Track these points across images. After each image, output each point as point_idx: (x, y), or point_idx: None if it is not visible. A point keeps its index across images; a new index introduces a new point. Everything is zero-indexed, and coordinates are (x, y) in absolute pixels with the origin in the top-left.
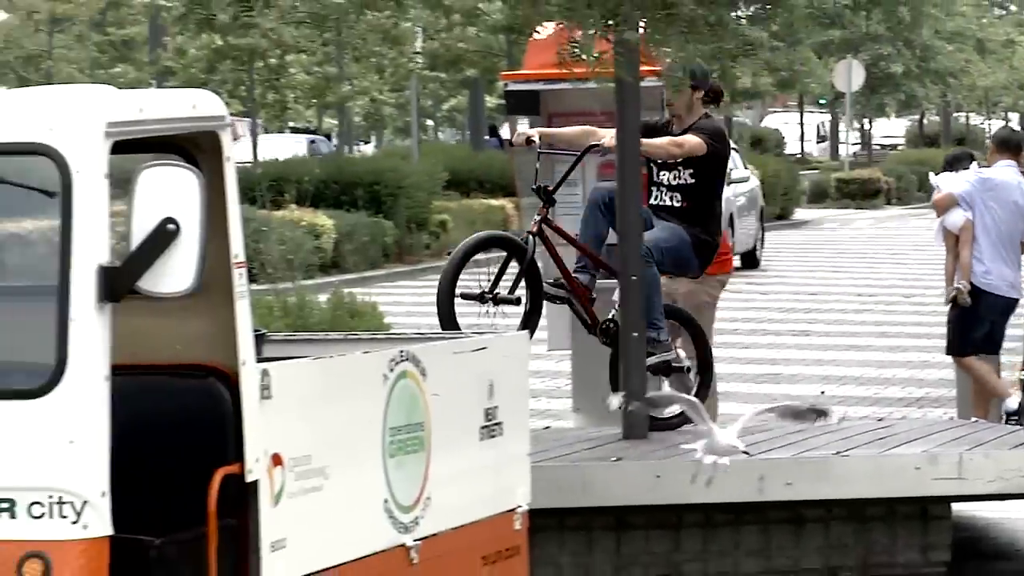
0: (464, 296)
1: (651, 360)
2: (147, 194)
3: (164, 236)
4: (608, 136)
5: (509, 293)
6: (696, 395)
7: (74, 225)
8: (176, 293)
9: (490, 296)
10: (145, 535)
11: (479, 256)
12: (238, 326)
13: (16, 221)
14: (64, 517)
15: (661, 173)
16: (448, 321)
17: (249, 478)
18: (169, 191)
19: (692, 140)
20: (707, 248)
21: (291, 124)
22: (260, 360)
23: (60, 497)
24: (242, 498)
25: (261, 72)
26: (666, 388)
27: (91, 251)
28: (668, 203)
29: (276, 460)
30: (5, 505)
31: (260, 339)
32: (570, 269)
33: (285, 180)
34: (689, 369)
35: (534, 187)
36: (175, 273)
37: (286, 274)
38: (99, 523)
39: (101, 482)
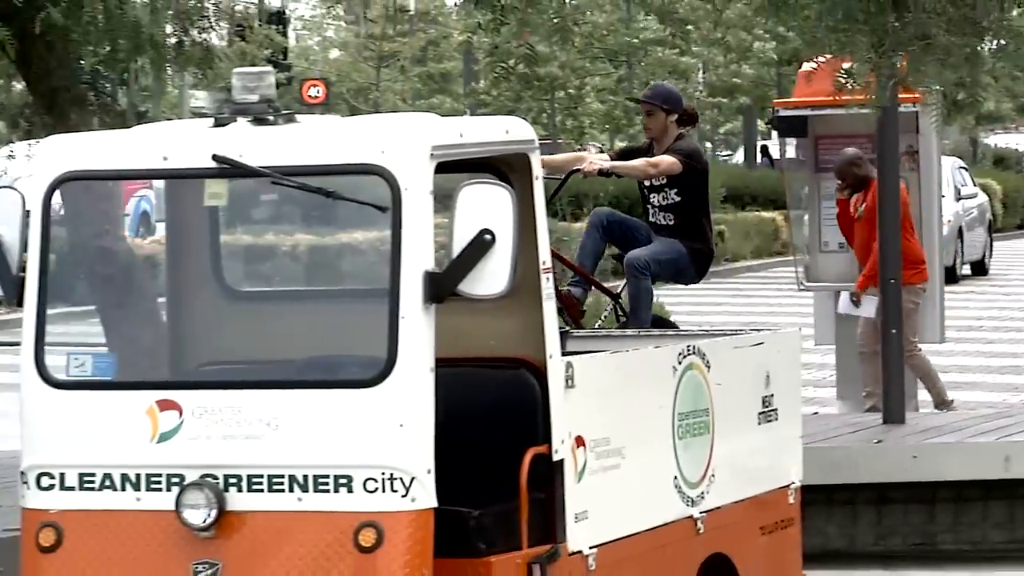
0: None
1: None
2: (466, 208)
3: (481, 245)
4: (587, 162)
5: None
6: None
7: (403, 236)
8: (491, 295)
9: None
10: (464, 507)
11: None
12: (545, 324)
13: (349, 233)
14: (395, 491)
15: (651, 195)
16: None
17: (556, 457)
18: (486, 206)
19: (667, 160)
20: (703, 256)
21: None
22: (564, 354)
23: (391, 474)
24: (549, 475)
25: (561, 101)
26: None
27: (418, 259)
28: (662, 222)
29: (579, 442)
30: (343, 480)
31: (564, 335)
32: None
33: (583, 195)
34: None
35: None
36: (491, 278)
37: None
38: (425, 496)
39: (427, 460)
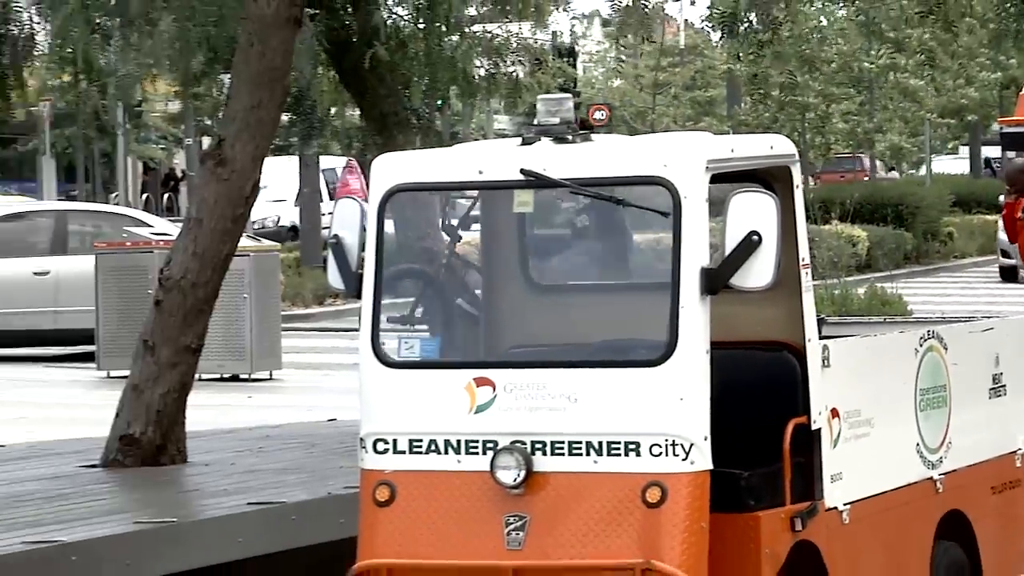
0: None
1: None
2: (737, 213)
3: (749, 245)
4: None
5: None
6: None
7: (683, 238)
8: (758, 288)
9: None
10: (735, 469)
11: None
12: (804, 312)
13: (632, 235)
14: (676, 455)
15: None
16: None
17: (814, 427)
18: (753, 211)
19: None
20: None
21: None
22: (821, 338)
23: (673, 440)
24: (808, 442)
25: (811, 121)
26: None
27: (696, 257)
28: None
29: (834, 413)
30: (632, 446)
31: (820, 322)
32: None
33: (831, 201)
34: None
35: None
36: (758, 273)
37: (832, 273)
38: (702, 460)
39: (704, 429)
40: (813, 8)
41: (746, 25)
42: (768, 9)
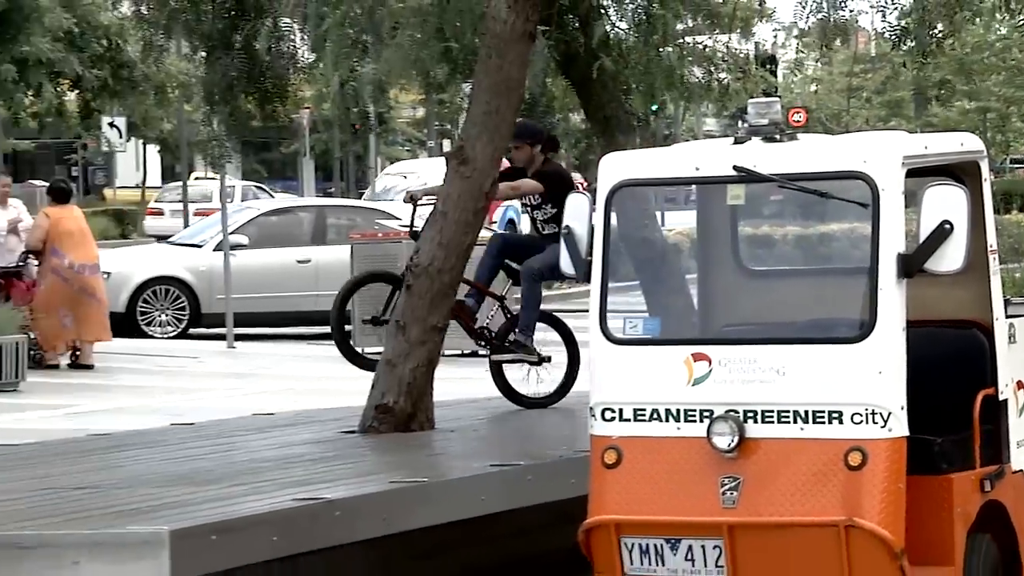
0: (363, 321)
1: (508, 356)
2: (930, 204)
3: (942, 233)
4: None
5: (381, 316)
6: (563, 382)
7: (881, 227)
8: (950, 272)
9: (380, 319)
10: (929, 436)
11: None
12: (992, 293)
13: (834, 224)
14: (875, 423)
15: (533, 212)
16: (339, 334)
17: (1001, 397)
18: (945, 202)
19: (528, 184)
20: None
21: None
22: (1007, 317)
23: (873, 409)
24: (996, 411)
25: (992, 120)
26: None
27: (893, 244)
28: (547, 231)
29: (1019, 385)
30: (836, 415)
31: (1006, 303)
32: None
33: (1012, 193)
34: (549, 359)
35: (411, 229)
36: (950, 258)
37: (1013, 258)
38: (899, 427)
39: (901, 399)
40: (977, 25)
41: (913, 37)
42: (934, 23)
